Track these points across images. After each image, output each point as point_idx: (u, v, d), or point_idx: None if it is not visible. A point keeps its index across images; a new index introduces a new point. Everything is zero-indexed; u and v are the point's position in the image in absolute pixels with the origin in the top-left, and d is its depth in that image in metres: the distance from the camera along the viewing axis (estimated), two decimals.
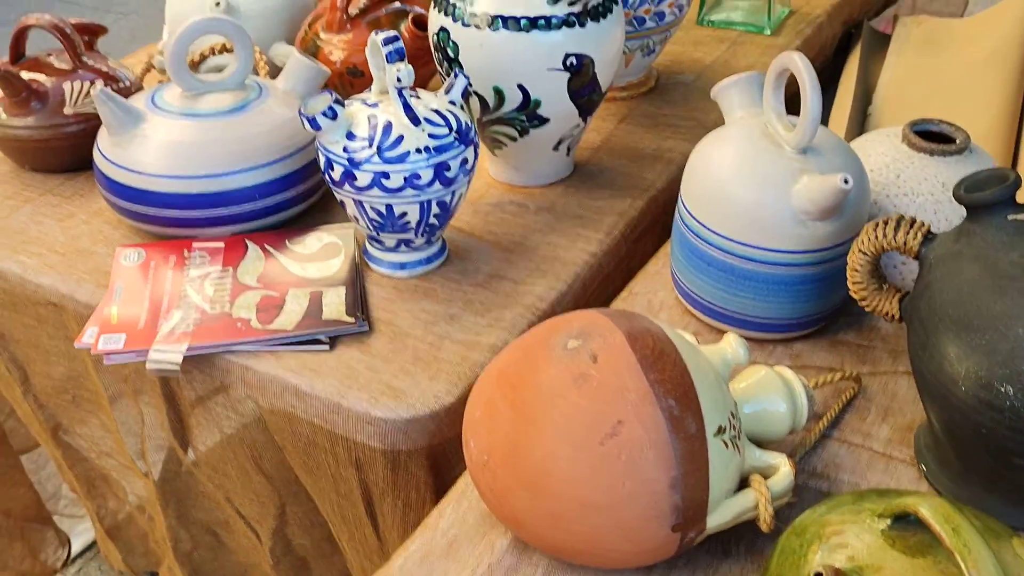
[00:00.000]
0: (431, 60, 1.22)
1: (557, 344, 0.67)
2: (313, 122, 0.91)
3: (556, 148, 1.10)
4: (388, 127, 0.91)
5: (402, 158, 0.91)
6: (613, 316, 0.69)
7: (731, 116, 0.92)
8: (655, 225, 1.11)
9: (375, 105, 0.94)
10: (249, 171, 1.00)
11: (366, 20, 1.21)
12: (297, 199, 1.05)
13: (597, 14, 1.02)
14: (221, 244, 1.00)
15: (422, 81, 1.24)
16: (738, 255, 0.85)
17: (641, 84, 1.31)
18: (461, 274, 0.99)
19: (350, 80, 1.20)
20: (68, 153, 1.15)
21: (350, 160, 0.91)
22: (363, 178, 0.91)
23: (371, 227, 0.95)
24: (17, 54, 1.16)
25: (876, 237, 0.76)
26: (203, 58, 1.26)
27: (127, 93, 1.17)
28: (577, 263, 1.01)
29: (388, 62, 0.90)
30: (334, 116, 0.91)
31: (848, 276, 0.79)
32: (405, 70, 0.90)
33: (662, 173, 1.14)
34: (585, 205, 1.10)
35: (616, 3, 1.04)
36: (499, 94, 1.03)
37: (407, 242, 0.98)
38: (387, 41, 0.90)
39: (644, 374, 0.64)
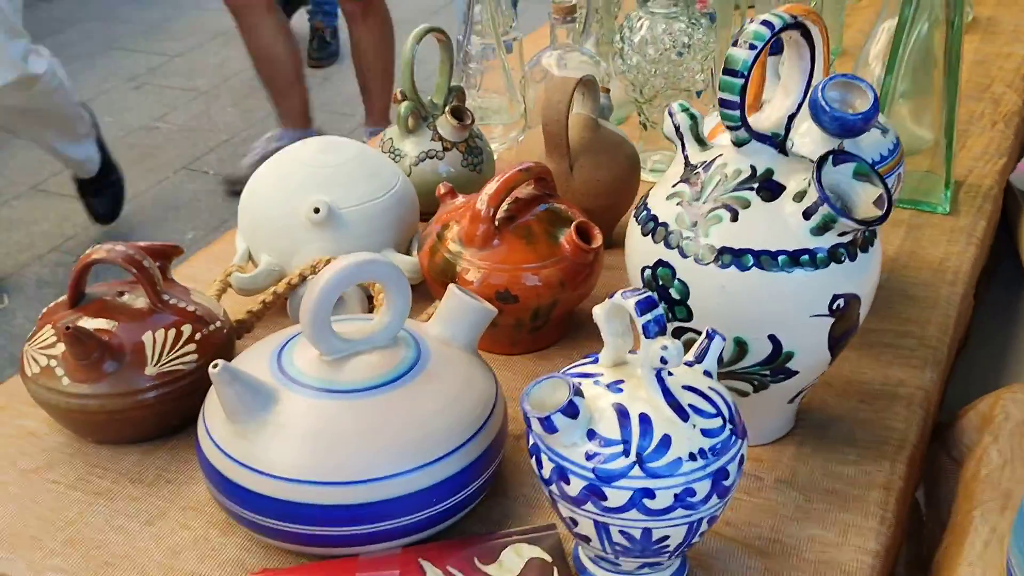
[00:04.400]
0: (593, 277, 0.99)
1: None
2: (548, 424, 0.66)
3: (792, 401, 0.86)
4: (647, 424, 0.66)
5: (672, 469, 0.66)
6: None
7: None
8: (911, 494, 0.87)
9: (618, 388, 0.69)
10: (422, 469, 0.74)
11: (512, 227, 0.97)
12: (480, 491, 0.79)
13: (866, 242, 0.79)
14: (395, 573, 0.73)
15: (577, 301, 1.00)
16: None
17: None
18: None
19: (499, 307, 0.95)
20: (150, 423, 0.88)
21: (598, 474, 0.66)
22: (617, 497, 0.66)
23: (611, 550, 0.70)
24: (78, 294, 0.90)
25: None
26: (303, 279, 1.00)
27: (222, 340, 0.91)
28: (861, 569, 0.76)
29: (647, 336, 0.66)
30: (575, 413, 0.66)
31: None
32: (673, 349, 0.65)
33: (909, 420, 0.91)
34: (833, 473, 0.85)
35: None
36: (741, 345, 0.79)
37: (654, 565, 0.72)
38: (643, 307, 0.66)
39: None
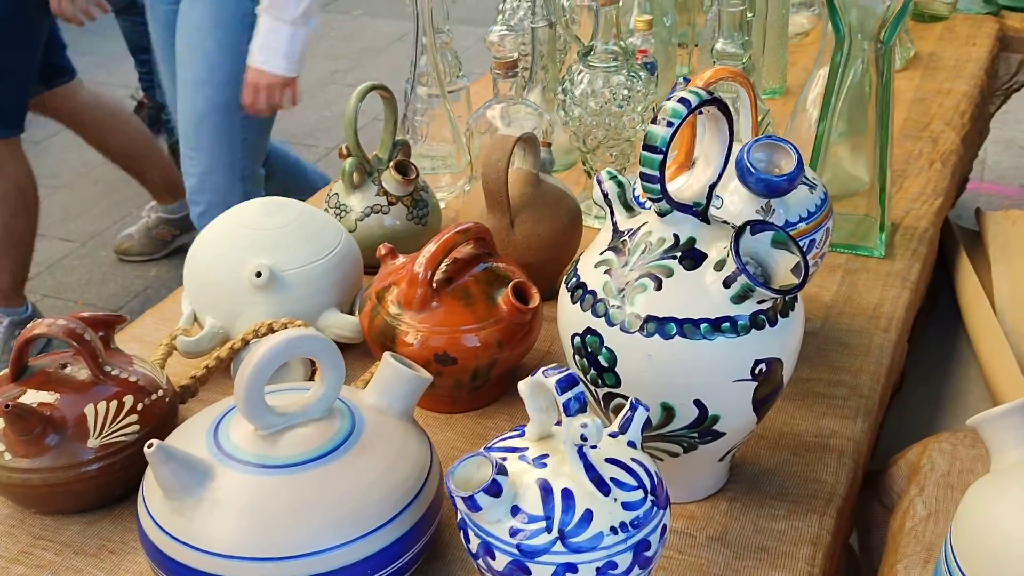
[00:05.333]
0: (532, 335, 1.01)
1: None
2: (472, 503, 0.67)
3: (722, 459, 0.89)
4: (569, 499, 0.68)
5: (594, 543, 0.67)
6: None
7: (1004, 457, 0.72)
8: (841, 547, 0.90)
9: (542, 463, 0.71)
10: (358, 541, 0.76)
11: (450, 289, 0.99)
12: (417, 557, 0.80)
13: (786, 307, 0.81)
14: None
15: (516, 359, 1.02)
16: None
17: None
18: None
19: (438, 369, 0.97)
20: (93, 495, 0.89)
21: (522, 549, 0.68)
22: (541, 573, 0.68)
23: None
24: (20, 368, 0.91)
25: None
26: (245, 344, 1.02)
27: (164, 409, 0.92)
28: None
29: (567, 414, 0.68)
30: (498, 492, 0.68)
31: None
32: (593, 427, 0.67)
33: (839, 472, 0.93)
34: (764, 530, 0.87)
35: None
36: (668, 410, 0.81)
37: None
38: (563, 385, 0.68)
39: None
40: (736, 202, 0.99)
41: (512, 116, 1.31)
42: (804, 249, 0.98)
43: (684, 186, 0.83)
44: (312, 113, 3.88)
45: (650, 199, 0.80)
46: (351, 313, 1.11)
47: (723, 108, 0.80)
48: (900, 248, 1.27)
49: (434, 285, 0.98)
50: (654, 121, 0.77)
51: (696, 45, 1.69)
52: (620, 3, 1.24)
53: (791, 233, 0.98)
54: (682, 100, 0.77)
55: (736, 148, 0.95)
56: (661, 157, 0.77)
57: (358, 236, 1.21)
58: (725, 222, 0.84)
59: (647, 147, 0.77)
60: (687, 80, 1.09)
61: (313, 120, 3.83)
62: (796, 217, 1.00)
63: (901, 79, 1.72)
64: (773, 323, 0.80)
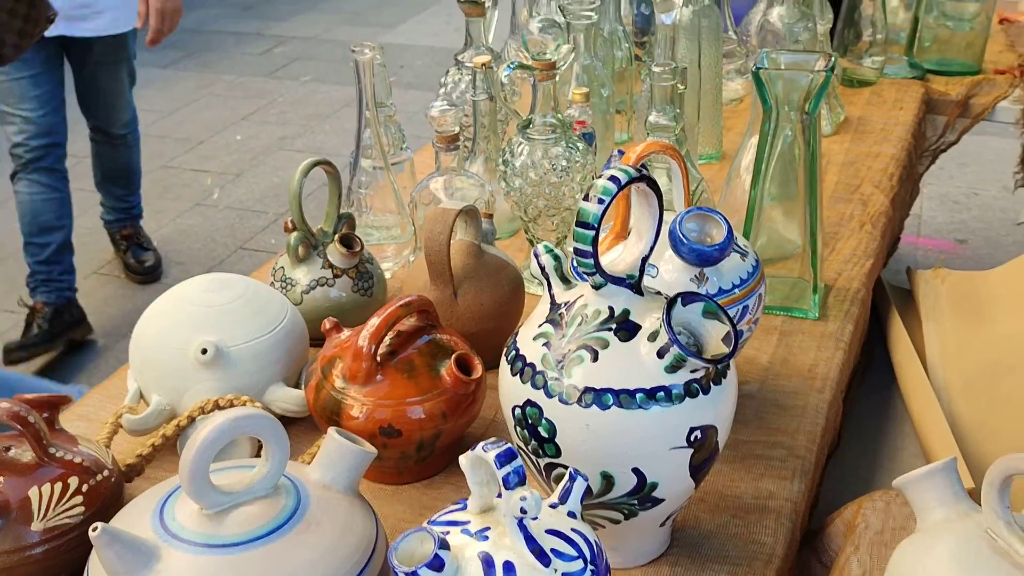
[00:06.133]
0: (476, 405, 1.03)
1: None
2: None
3: (663, 524, 0.91)
4: (511, 572, 0.70)
5: None
6: None
7: (928, 515, 0.75)
8: None
9: (484, 536, 0.72)
10: None
11: (394, 362, 1.01)
12: None
13: (719, 375, 0.84)
14: None
15: (461, 430, 1.04)
16: None
17: None
18: None
19: (383, 441, 0.98)
20: None
21: None
22: None
23: None
24: None
25: None
26: (191, 420, 1.03)
27: (110, 489, 0.92)
28: None
29: (507, 487, 0.70)
30: (441, 566, 0.69)
31: None
32: (532, 499, 0.69)
33: (777, 533, 0.95)
34: None
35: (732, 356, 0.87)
36: (607, 479, 0.83)
37: None
38: (502, 460, 0.70)
39: None
40: (671, 270, 1.02)
41: (455, 187, 1.34)
42: (737, 316, 1.02)
43: (618, 259, 0.86)
44: (261, 180, 3.90)
45: (584, 273, 0.83)
46: (297, 387, 1.12)
47: (652, 184, 0.83)
48: (833, 309, 1.31)
49: (378, 359, 0.99)
50: (586, 198, 0.80)
51: (634, 112, 1.74)
52: (557, 77, 1.29)
53: (724, 300, 1.02)
54: (612, 178, 0.80)
55: (670, 218, 0.99)
56: (593, 233, 0.80)
57: (304, 309, 1.22)
58: (659, 293, 0.87)
59: (579, 223, 0.80)
60: (621, 153, 1.12)
61: (262, 187, 3.85)
62: (729, 284, 1.03)
63: (832, 143, 1.78)
64: (706, 391, 0.82)
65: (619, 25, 1.75)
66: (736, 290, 1.04)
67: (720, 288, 1.02)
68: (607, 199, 0.79)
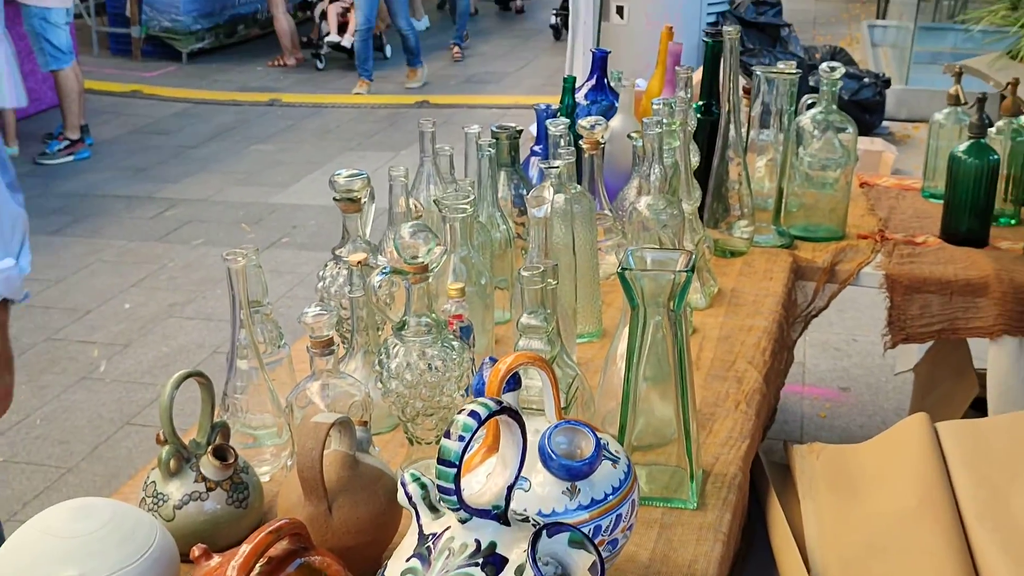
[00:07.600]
0: None
1: None
2: None
3: None
4: None
5: None
6: None
7: None
8: None
9: None
10: None
11: None
12: None
13: None
14: None
15: None
16: None
17: None
18: None
19: None
20: None
21: None
22: None
23: None
24: None
25: None
26: None
27: None
28: None
29: None
30: None
31: None
32: None
33: None
34: None
35: None
36: None
37: None
38: None
39: None
40: (543, 483, 1.02)
41: (331, 390, 1.33)
42: (611, 525, 1.03)
43: (483, 489, 0.86)
44: (149, 350, 3.83)
45: (449, 509, 0.83)
46: None
47: (513, 415, 0.84)
48: (712, 497, 1.33)
49: None
50: (447, 435, 0.80)
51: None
52: (430, 279, 1.31)
53: (598, 511, 1.03)
54: (472, 414, 0.81)
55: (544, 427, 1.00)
56: (455, 470, 0.80)
57: (177, 524, 1.19)
58: (526, 519, 0.88)
59: (441, 461, 0.80)
60: (494, 360, 1.14)
61: (150, 357, 3.78)
62: (602, 494, 1.04)
63: (707, 316, 1.83)
64: None
65: (496, 210, 1.80)
66: (610, 498, 1.04)
67: (592, 499, 1.03)
68: (467, 435, 0.80)
